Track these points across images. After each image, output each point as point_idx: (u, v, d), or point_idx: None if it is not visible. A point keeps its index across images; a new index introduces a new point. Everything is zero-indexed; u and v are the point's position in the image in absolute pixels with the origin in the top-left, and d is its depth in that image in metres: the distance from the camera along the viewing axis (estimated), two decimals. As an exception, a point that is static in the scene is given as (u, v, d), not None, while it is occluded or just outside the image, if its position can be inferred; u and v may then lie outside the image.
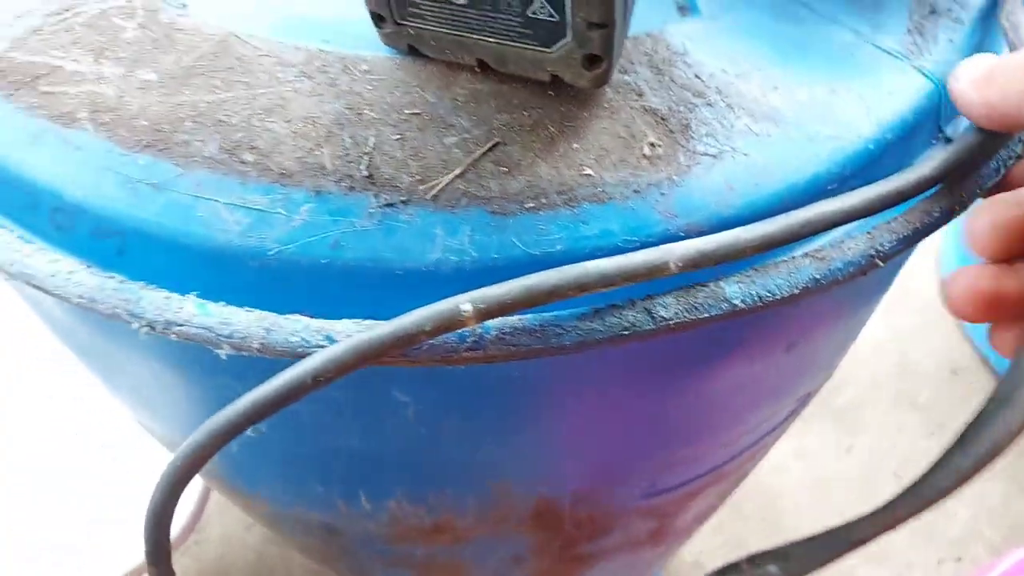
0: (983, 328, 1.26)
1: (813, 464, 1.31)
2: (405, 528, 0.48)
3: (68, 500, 0.94)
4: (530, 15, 0.29)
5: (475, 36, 0.30)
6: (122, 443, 0.93)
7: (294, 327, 0.27)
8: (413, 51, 0.32)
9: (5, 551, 0.90)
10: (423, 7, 0.30)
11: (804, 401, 0.52)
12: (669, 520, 0.57)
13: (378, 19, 0.31)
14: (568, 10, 0.28)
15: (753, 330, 0.35)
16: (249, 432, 0.39)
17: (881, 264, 0.30)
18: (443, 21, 0.30)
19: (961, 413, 1.36)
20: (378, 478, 0.42)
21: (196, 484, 0.91)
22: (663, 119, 0.31)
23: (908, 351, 1.43)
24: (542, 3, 0.28)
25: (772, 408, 0.45)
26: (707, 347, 0.35)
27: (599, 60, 0.29)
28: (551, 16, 0.28)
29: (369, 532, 0.49)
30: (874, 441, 1.34)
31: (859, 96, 0.33)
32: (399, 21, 0.31)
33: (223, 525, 1.17)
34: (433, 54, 0.32)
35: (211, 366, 0.34)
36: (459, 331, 0.27)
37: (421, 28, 0.31)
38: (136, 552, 0.89)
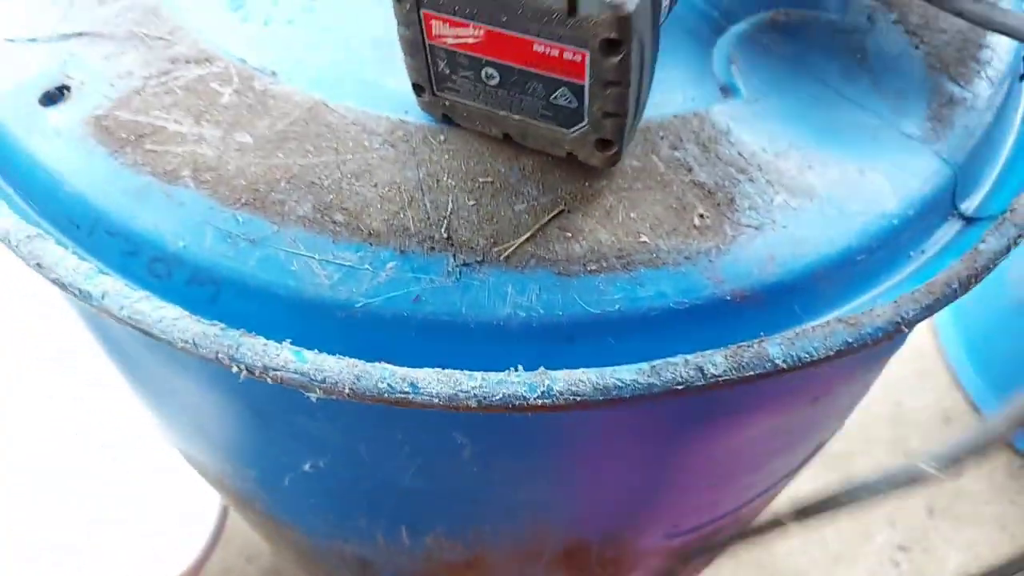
0: (975, 377, 1.29)
1: (808, 509, 1.33)
2: (439, 563, 0.50)
3: (68, 500, 0.93)
4: (552, 100, 0.32)
5: (502, 112, 0.34)
6: (122, 443, 0.92)
7: (381, 374, 0.30)
8: (447, 119, 0.36)
9: (5, 551, 0.90)
10: (458, 83, 0.33)
11: (818, 449, 0.54)
12: (683, 560, 0.59)
13: (418, 89, 0.35)
14: (587, 100, 0.31)
15: (786, 386, 0.38)
16: (306, 467, 0.41)
17: (906, 330, 0.33)
18: (475, 96, 0.34)
19: (953, 461, 1.39)
20: (422, 514, 0.45)
21: (208, 521, 0.91)
22: (710, 193, 0.35)
23: (902, 400, 1.46)
24: (564, 92, 0.31)
25: (791, 456, 0.48)
26: (742, 400, 0.38)
27: (611, 144, 0.32)
28: (571, 103, 0.32)
29: (402, 566, 0.51)
30: (868, 487, 1.36)
31: (885, 176, 0.36)
32: (436, 92, 0.35)
33: (224, 557, 1.17)
34: (464, 124, 0.35)
35: (286, 406, 0.37)
36: (529, 381, 0.30)
37: (455, 100, 0.34)
38: (134, 552, 0.87)
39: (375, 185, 0.34)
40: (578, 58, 0.29)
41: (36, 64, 0.39)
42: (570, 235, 0.33)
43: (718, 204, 0.34)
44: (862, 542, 1.29)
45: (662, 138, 0.36)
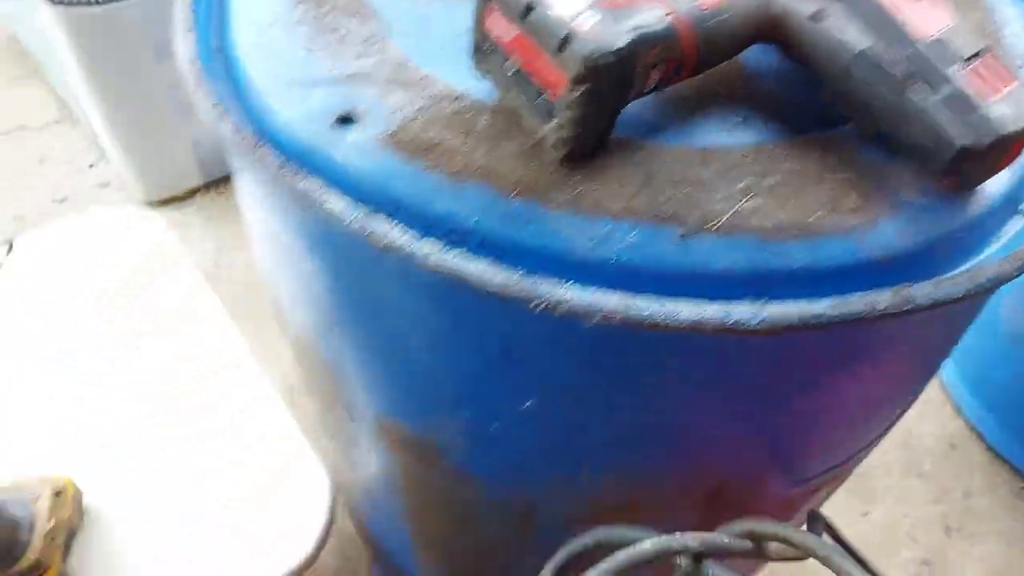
0: (975, 406, 1.38)
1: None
2: (599, 506, 0.57)
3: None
4: (538, 100, 0.42)
5: (511, 93, 0.44)
6: (122, 444, 0.88)
7: (643, 304, 0.39)
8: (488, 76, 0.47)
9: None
10: (492, 61, 0.44)
11: (897, 419, 0.63)
12: (789, 516, 0.66)
13: (474, 47, 0.46)
14: (556, 108, 0.41)
15: (892, 337, 0.47)
16: (528, 404, 0.49)
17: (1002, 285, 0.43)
18: (500, 75, 0.44)
19: (961, 481, 1.46)
20: (606, 451, 0.52)
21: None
22: (857, 186, 0.44)
23: (912, 428, 1.53)
24: (545, 98, 0.41)
25: (891, 409, 0.57)
26: (870, 346, 0.47)
27: (567, 143, 0.42)
28: (548, 105, 0.42)
29: (568, 510, 0.59)
30: (887, 507, 1.43)
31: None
32: (475, 55, 0.46)
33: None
34: (496, 87, 0.46)
35: (536, 340, 0.46)
36: (751, 311, 0.39)
37: (489, 70, 0.45)
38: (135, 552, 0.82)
39: (612, 179, 0.43)
40: (561, 80, 0.40)
41: (322, 99, 0.48)
42: (757, 215, 0.43)
43: (864, 194, 0.44)
44: (891, 558, 1.35)
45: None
